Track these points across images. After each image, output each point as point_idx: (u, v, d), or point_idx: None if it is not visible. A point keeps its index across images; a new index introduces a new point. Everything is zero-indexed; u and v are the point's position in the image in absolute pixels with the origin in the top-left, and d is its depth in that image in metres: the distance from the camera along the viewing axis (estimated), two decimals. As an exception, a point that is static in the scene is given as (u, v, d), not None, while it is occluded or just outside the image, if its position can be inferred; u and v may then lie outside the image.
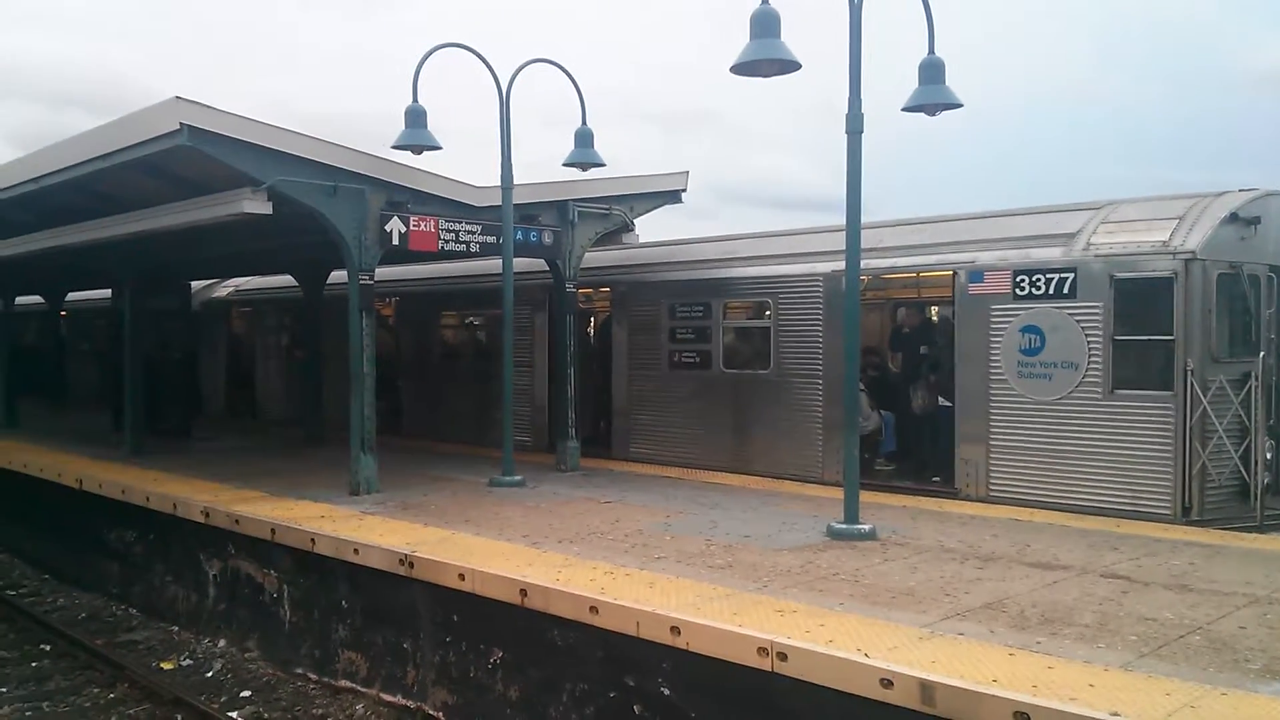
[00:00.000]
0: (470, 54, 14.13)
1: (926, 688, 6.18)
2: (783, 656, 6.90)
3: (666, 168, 16.86)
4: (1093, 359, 11.89)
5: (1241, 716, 5.55)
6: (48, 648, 13.08)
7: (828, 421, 14.20)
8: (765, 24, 10.25)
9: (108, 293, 24.77)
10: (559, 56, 14.65)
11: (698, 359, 16.19)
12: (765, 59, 10.31)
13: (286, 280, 22.16)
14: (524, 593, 8.70)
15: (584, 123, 14.82)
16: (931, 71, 11.01)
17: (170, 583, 13.93)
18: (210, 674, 11.79)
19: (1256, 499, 11.40)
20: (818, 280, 14.47)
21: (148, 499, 13.84)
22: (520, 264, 15.33)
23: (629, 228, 16.87)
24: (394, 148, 13.62)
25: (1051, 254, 12.36)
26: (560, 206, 15.69)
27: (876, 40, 10.70)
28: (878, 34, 10.70)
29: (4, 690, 11.53)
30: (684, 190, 16.96)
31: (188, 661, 12.27)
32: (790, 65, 10.41)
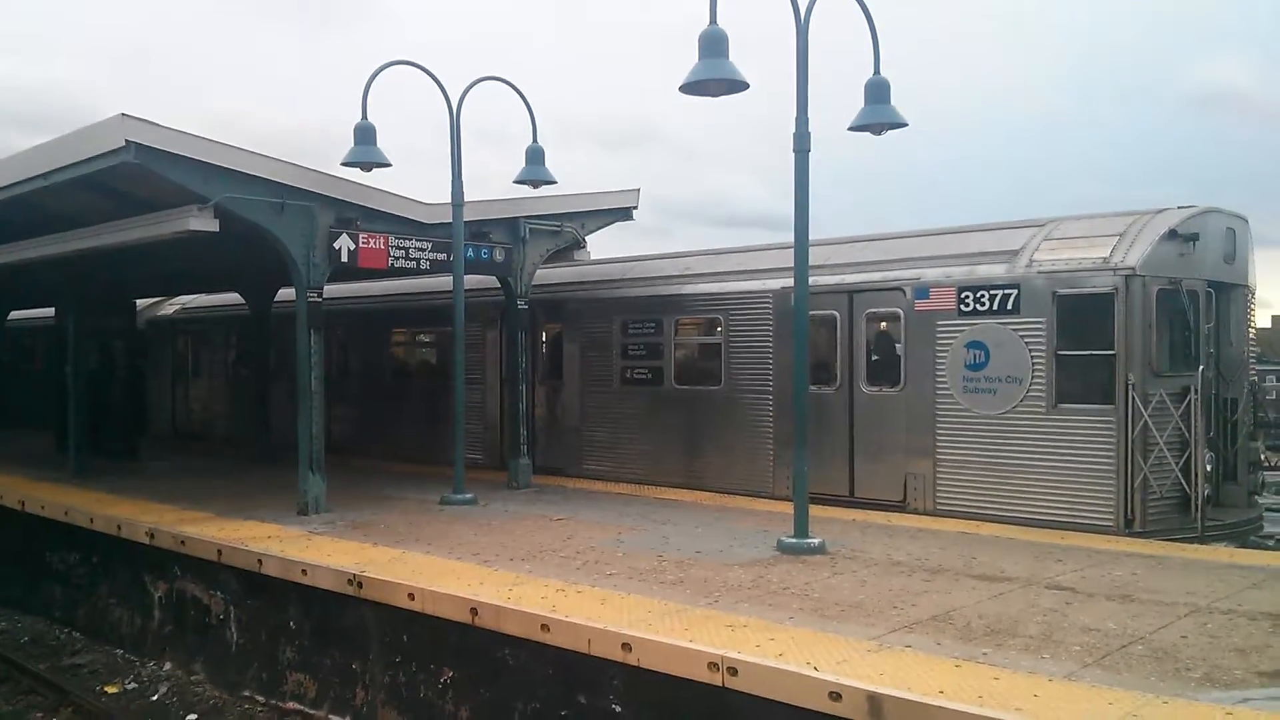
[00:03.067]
0: (420, 72, 14.13)
1: (874, 700, 6.23)
2: (733, 671, 6.93)
3: (612, 186, 16.90)
4: (1036, 374, 12.08)
5: (1181, 724, 5.65)
6: (-12, 673, 12.80)
7: (778, 437, 14.28)
8: (713, 44, 10.33)
9: (50, 311, 24.38)
10: (504, 76, 14.63)
11: (650, 375, 16.23)
12: (713, 79, 10.39)
13: (234, 298, 21.95)
14: (475, 611, 8.66)
15: (535, 139, 14.85)
16: (877, 91, 11.19)
17: (115, 605, 13.69)
18: (155, 697, 11.59)
19: (1197, 510, 11.60)
20: (768, 297, 14.58)
21: (91, 520, 13.61)
22: (472, 281, 15.31)
23: (580, 245, 16.91)
24: (343, 164, 13.59)
25: (995, 270, 12.55)
26: (511, 224, 15.70)
27: (824, 59, 10.84)
28: (824, 53, 10.84)
29: (-58, 718, 11.28)
30: (635, 207, 17.06)
31: (133, 685, 12.06)
32: (738, 85, 10.49)
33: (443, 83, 14.21)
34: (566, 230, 16.40)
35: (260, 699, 11.05)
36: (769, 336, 14.58)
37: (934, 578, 9.45)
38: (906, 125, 11.30)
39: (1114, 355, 11.67)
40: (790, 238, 11.09)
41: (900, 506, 13.14)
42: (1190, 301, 12.09)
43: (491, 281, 16.31)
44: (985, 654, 7.03)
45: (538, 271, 16.34)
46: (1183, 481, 11.73)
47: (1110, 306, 11.69)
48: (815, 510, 11.18)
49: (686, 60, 10.40)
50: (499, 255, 15.57)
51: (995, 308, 12.41)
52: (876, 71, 11.19)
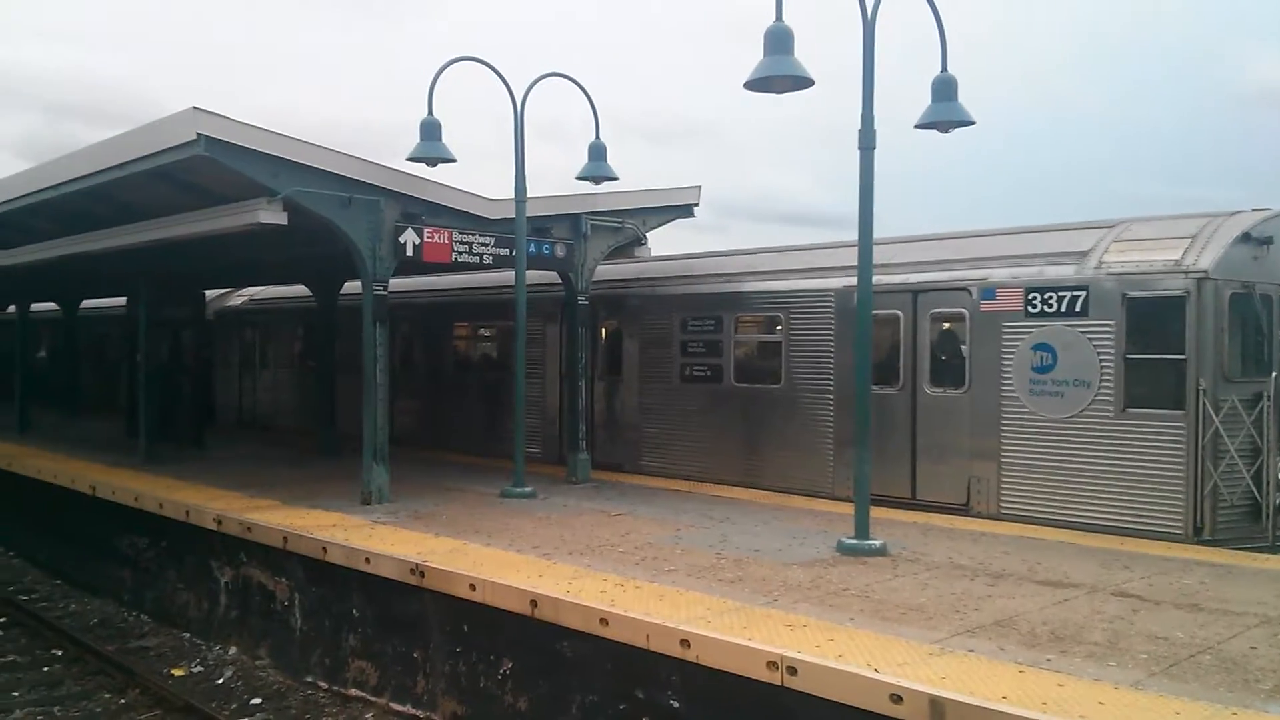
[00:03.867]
0: (484, 68, 14.23)
1: (936, 704, 6.19)
2: (792, 670, 6.91)
3: (663, 183, 16.90)
4: (1105, 377, 11.89)
5: (1252, 736, 5.55)
6: (59, 653, 13.13)
7: (838, 436, 14.21)
8: (779, 40, 10.30)
9: (122, 300, 24.94)
10: (560, 70, 14.69)
11: (709, 372, 16.22)
12: (779, 75, 10.36)
13: (301, 290, 22.27)
14: (534, 604, 8.73)
15: (597, 136, 14.91)
16: (944, 88, 11.07)
17: (182, 590, 13.99)
18: (221, 681, 11.83)
19: (1268, 519, 11.37)
20: (830, 296, 14.49)
21: (160, 506, 13.91)
22: (533, 276, 15.40)
23: (641, 241, 16.94)
24: (409, 160, 13.72)
25: (1064, 272, 12.37)
26: (573, 219, 15.77)
27: (887, 56, 10.75)
28: (889, 50, 10.75)
29: (16, 695, 11.58)
30: (696, 204, 17.06)
31: (198, 668, 12.32)
32: (804, 81, 10.45)
33: (507, 79, 14.30)
34: (628, 227, 16.43)
35: (323, 685, 11.23)
36: (830, 335, 14.49)
37: (997, 582, 9.35)
38: (974, 123, 11.18)
39: (1185, 360, 11.45)
40: (852, 235, 11.02)
41: (963, 510, 13.01)
42: (1264, 306, 11.83)
43: (553, 277, 16.39)
44: (1049, 660, 6.94)
45: (598, 267, 16.40)
46: (1254, 489, 11.49)
47: (1181, 310, 11.47)
48: (876, 512, 11.10)
49: (738, 55, 10.36)
50: (560, 251, 15.64)
51: (1063, 310, 12.23)
52: (944, 68, 11.08)
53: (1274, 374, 11.60)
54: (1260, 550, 11.09)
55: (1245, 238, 11.66)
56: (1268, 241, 11.80)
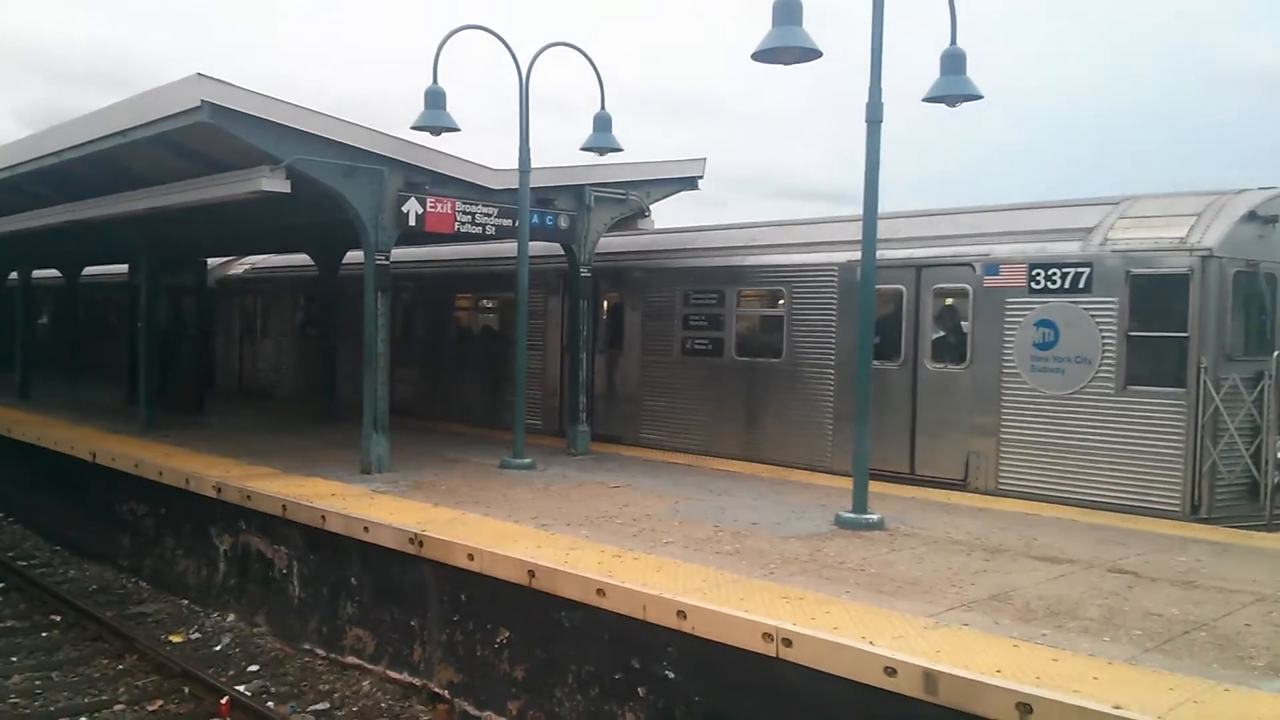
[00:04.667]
0: (490, 36, 14.13)
1: (930, 677, 6.20)
2: (787, 642, 6.93)
3: (665, 155, 16.80)
4: (1106, 354, 11.86)
5: (1244, 713, 5.57)
6: (58, 618, 13.18)
7: (838, 411, 14.21)
8: (787, 11, 10.22)
9: (124, 268, 24.90)
10: (567, 40, 14.59)
11: (710, 346, 16.20)
12: (787, 46, 10.29)
13: (302, 259, 22.25)
14: (532, 574, 8.75)
15: (602, 107, 14.82)
16: (953, 62, 10.97)
17: (181, 557, 14.03)
18: (218, 648, 11.88)
19: (1266, 498, 11.37)
20: (833, 270, 14.46)
21: (160, 473, 13.93)
22: (535, 247, 15.36)
23: (645, 213, 16.88)
24: (413, 128, 13.67)
25: (1068, 248, 12.32)
26: (577, 191, 15.70)
27: (894, 29, 10.68)
28: (896, 23, 10.67)
29: (14, 659, 11.63)
30: (700, 177, 16.97)
31: (196, 635, 12.37)
32: (811, 53, 10.39)
33: (512, 47, 14.21)
34: (631, 199, 16.37)
35: (320, 652, 11.28)
36: (832, 310, 14.46)
37: (993, 557, 9.36)
38: (981, 98, 11.09)
39: (1187, 338, 11.42)
40: (855, 210, 10.97)
41: (961, 485, 13.02)
42: (1268, 285, 11.79)
43: (555, 248, 16.34)
44: (1044, 635, 6.96)
45: (601, 239, 16.35)
46: (1252, 468, 11.49)
47: (1185, 288, 11.44)
48: (874, 486, 11.11)
49: (748, 29, 10.31)
50: (564, 222, 15.60)
51: (1067, 286, 12.18)
52: (953, 42, 10.98)
53: (1275, 353, 11.56)
54: (1257, 529, 11.09)
55: (1251, 216, 11.60)
56: (1273, 220, 11.74)
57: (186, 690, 10.62)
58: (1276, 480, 11.48)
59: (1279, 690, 5.94)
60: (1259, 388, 11.46)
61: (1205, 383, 11.27)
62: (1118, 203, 12.57)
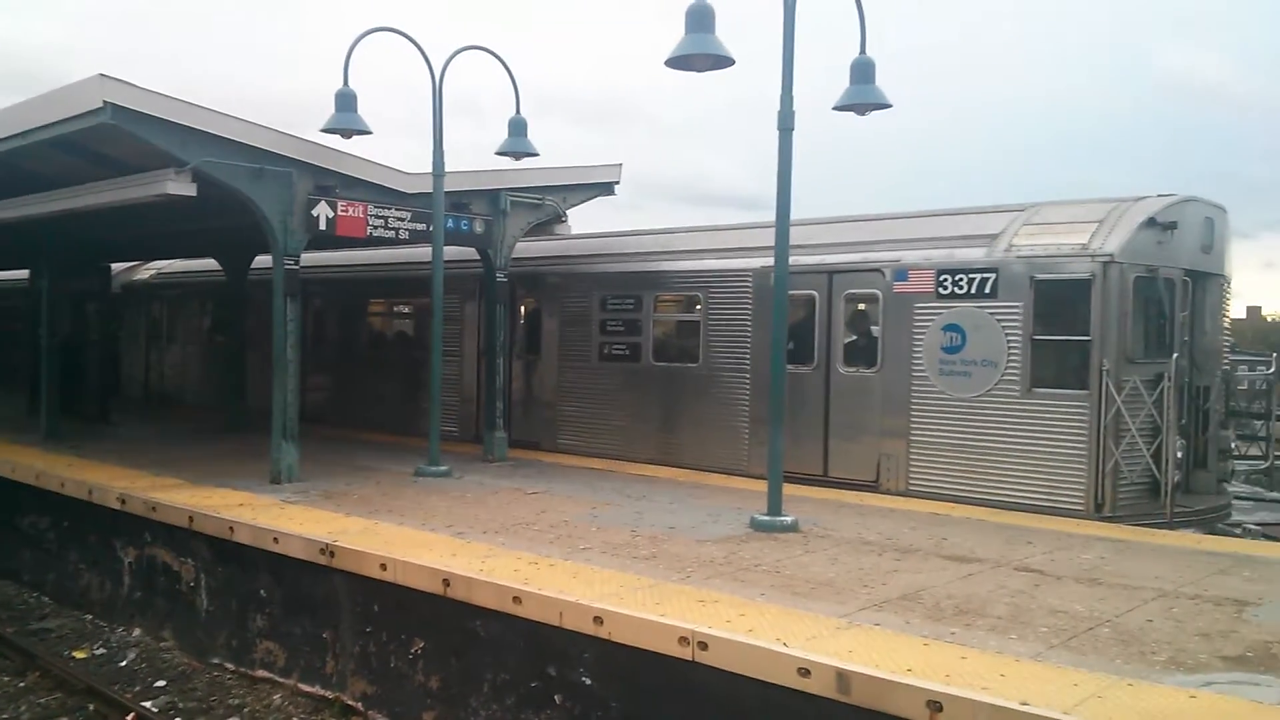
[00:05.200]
0: (402, 38, 13.98)
1: (843, 677, 6.27)
2: (703, 646, 6.96)
3: (583, 161, 16.83)
4: (1012, 358, 12.14)
5: (1146, 707, 5.71)
6: (-46, 636, 12.71)
7: (754, 415, 14.32)
8: (700, 19, 10.28)
9: (25, 273, 24.11)
10: (480, 44, 14.50)
11: (628, 351, 16.22)
12: (700, 53, 10.35)
13: (210, 264, 21.76)
14: (447, 583, 8.66)
15: (517, 110, 14.75)
16: (862, 71, 11.15)
17: (84, 570, 13.62)
18: (124, 663, 11.54)
19: (1166, 496, 11.71)
20: (747, 276, 14.58)
21: (62, 484, 13.51)
22: (451, 252, 15.23)
23: (562, 219, 16.85)
24: (323, 131, 13.45)
25: (974, 254, 12.59)
26: (492, 195, 15.61)
27: (808, 37, 10.81)
28: (809, 32, 10.81)
29: (-93, 679, 11.19)
30: (617, 182, 17.01)
31: (101, 650, 12.01)
32: (724, 60, 10.46)
33: (425, 50, 14.07)
34: (548, 204, 16.32)
35: (230, 666, 11.02)
36: (748, 315, 14.58)
37: (904, 557, 9.51)
38: (890, 106, 11.28)
39: (1090, 341, 11.74)
40: (770, 216, 11.08)
41: (873, 487, 13.21)
42: (1167, 289, 12.16)
43: (471, 253, 16.23)
44: (953, 633, 7.08)
45: (517, 245, 16.27)
46: (1153, 468, 11.83)
47: (1087, 292, 11.76)
48: (789, 489, 11.21)
49: (660, 35, 10.37)
50: (479, 227, 15.49)
51: (973, 291, 12.45)
52: (862, 51, 11.15)
53: (1174, 356, 11.94)
54: (1158, 526, 11.43)
55: (1150, 222, 11.96)
56: (1171, 226, 12.12)
57: (91, 708, 10.32)
58: (1176, 479, 11.84)
59: (1180, 684, 6.11)
60: (1159, 389, 11.81)
61: (1107, 385, 11.59)
62: (1023, 209, 12.88)
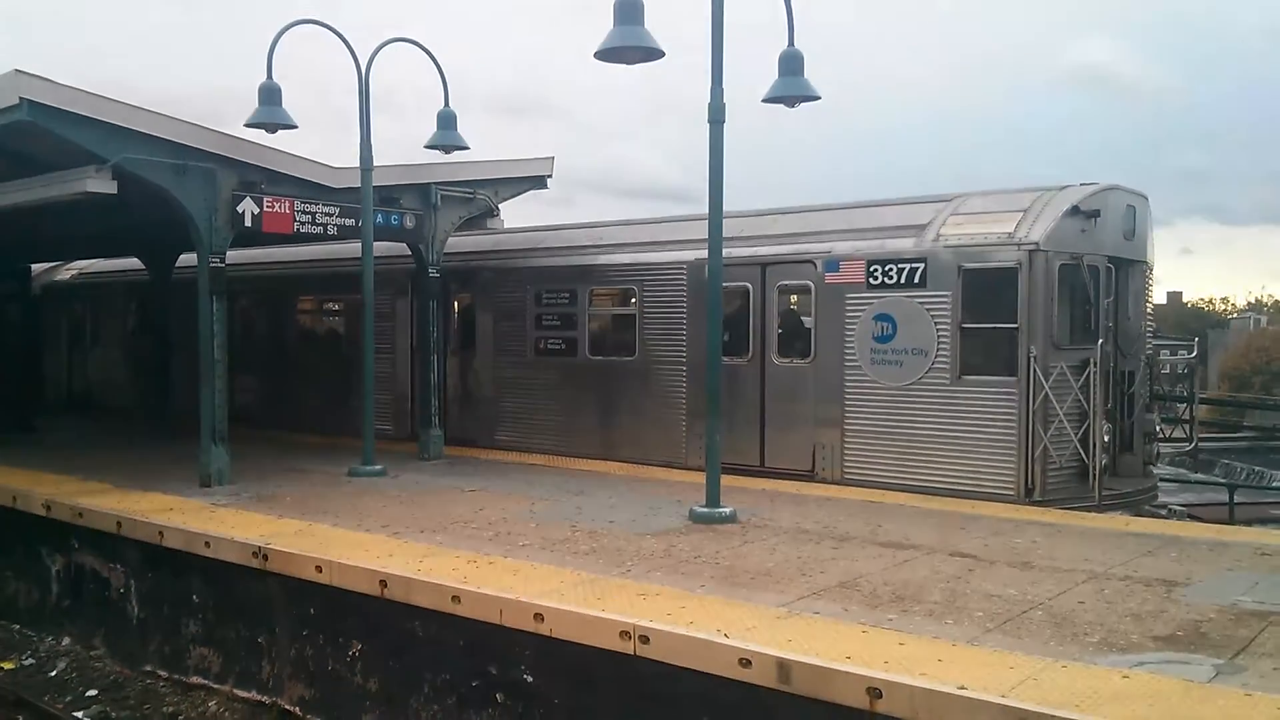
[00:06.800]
0: (328, 31, 13.78)
1: (783, 666, 6.32)
2: (645, 639, 6.96)
3: (508, 155, 16.73)
4: (941, 346, 12.31)
5: (1081, 688, 5.82)
6: (-128, 651, 12.32)
7: (691, 408, 14.36)
8: (629, 11, 10.26)
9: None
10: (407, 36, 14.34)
11: (563, 346, 16.16)
12: (630, 46, 10.33)
13: (134, 263, 21.30)
14: (384, 584, 8.57)
15: (446, 103, 14.60)
16: (791, 63, 11.19)
17: (10, 579, 13.27)
18: (54, 673, 11.29)
19: (1095, 480, 11.95)
20: (682, 268, 14.60)
21: (-18, 492, 13.14)
22: (381, 248, 15.06)
23: (494, 213, 16.74)
24: (247, 125, 13.23)
25: (904, 244, 12.73)
26: (422, 189, 15.46)
27: (737, 30, 10.83)
28: (738, 24, 10.83)
29: None
30: (549, 176, 16.91)
31: (29, 661, 11.73)
32: (654, 53, 10.44)
33: (350, 42, 13.87)
34: (479, 198, 16.20)
35: (163, 674, 10.82)
36: (683, 308, 14.61)
37: (841, 545, 9.61)
38: (819, 98, 11.34)
39: (1017, 328, 11.93)
40: (703, 209, 11.10)
41: (809, 476, 13.32)
42: (1091, 276, 12.40)
43: (402, 249, 16.05)
44: (891, 620, 7.17)
45: (450, 239, 16.13)
46: (1081, 452, 12.06)
47: (1014, 281, 11.94)
48: (727, 480, 11.26)
49: (586, 31, 10.33)
50: (410, 222, 15.32)
51: (903, 281, 12.59)
52: (791, 44, 11.20)
53: (1100, 342, 12.18)
54: (1087, 510, 11.65)
55: (1074, 211, 12.18)
56: (1095, 215, 12.36)
57: (20, 719, 10.06)
58: (1104, 463, 12.09)
59: (1113, 664, 6.24)
60: (1085, 375, 12.04)
61: (1035, 371, 11.80)
62: (950, 199, 13.05)
